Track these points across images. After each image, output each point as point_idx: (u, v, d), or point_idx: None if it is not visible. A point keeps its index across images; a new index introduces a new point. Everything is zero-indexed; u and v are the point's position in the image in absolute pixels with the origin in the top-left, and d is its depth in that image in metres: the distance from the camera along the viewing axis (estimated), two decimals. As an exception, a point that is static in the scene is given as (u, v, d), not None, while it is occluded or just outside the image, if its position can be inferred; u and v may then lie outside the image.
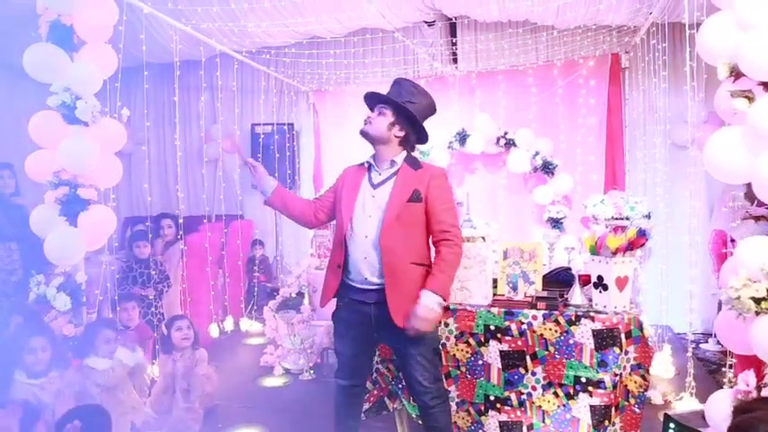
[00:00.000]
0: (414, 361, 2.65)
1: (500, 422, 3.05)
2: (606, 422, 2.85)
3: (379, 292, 2.59)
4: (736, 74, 2.59)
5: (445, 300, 2.55)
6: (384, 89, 2.74)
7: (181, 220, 4.94)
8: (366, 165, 2.75)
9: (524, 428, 3.02)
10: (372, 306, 2.62)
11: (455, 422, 3.16)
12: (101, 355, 3.26)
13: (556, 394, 2.98)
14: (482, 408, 3.08)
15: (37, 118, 3.29)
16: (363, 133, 2.67)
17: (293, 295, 5.29)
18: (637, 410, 2.86)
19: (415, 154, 6.20)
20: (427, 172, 2.63)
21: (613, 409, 2.85)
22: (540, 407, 3.00)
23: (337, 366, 2.87)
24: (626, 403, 2.87)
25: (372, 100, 2.70)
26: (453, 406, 3.17)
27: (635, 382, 2.86)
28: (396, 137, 2.64)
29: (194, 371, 3.73)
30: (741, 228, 3.12)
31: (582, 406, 2.92)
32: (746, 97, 2.51)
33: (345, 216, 2.65)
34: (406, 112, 2.60)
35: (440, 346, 2.96)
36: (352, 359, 2.79)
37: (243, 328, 5.89)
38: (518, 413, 3.03)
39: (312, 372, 4.59)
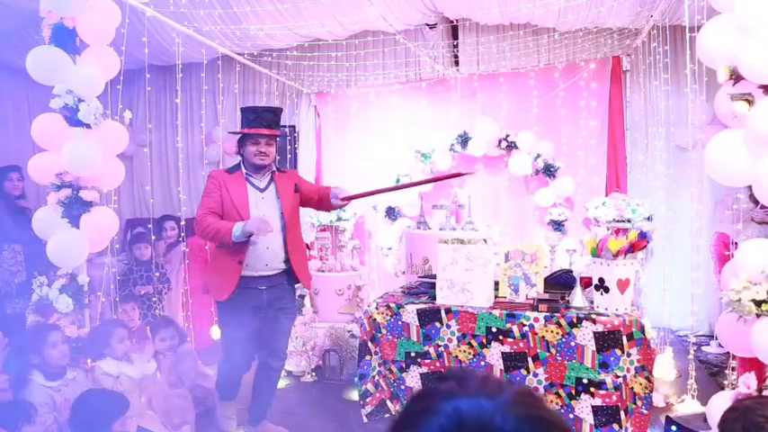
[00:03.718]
0: (282, 330, 3.46)
1: None
2: (616, 426, 2.87)
3: (272, 278, 3.29)
4: (735, 77, 2.60)
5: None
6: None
7: (183, 222, 4.95)
8: (244, 176, 3.33)
9: None
10: (264, 291, 3.29)
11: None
12: (115, 355, 3.30)
13: (558, 395, 3.00)
14: None
15: (40, 120, 3.31)
16: (265, 166, 3.33)
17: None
18: (644, 412, 2.88)
19: (417, 156, 6.22)
20: (290, 174, 3.53)
21: (623, 414, 2.87)
22: None
23: (230, 354, 3.41)
24: (634, 406, 2.88)
25: (267, 137, 3.31)
26: None
27: (640, 384, 2.87)
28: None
29: (181, 364, 3.77)
30: (745, 230, 3.13)
31: (584, 406, 2.94)
32: (746, 100, 2.51)
33: (244, 217, 3.18)
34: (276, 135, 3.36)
35: None
36: (248, 343, 3.36)
37: (244, 330, 5.89)
38: None
39: (313, 374, 4.59)
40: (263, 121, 3.25)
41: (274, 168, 3.42)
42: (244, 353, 3.40)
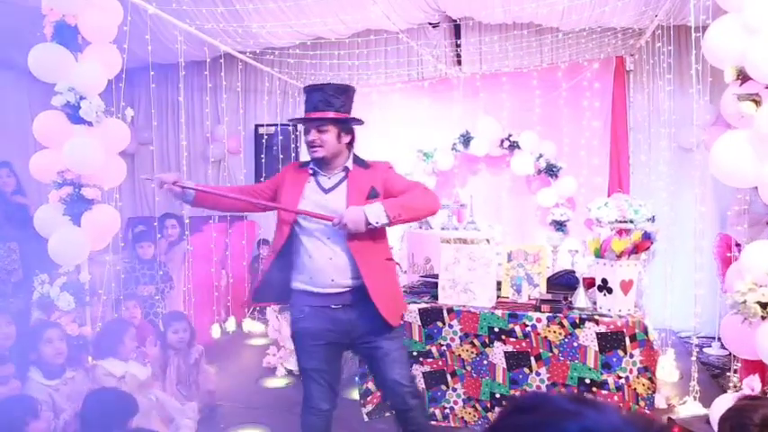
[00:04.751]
0: (390, 359, 2.54)
1: None
2: None
3: (347, 295, 2.50)
4: (742, 77, 2.58)
5: (389, 217, 2.38)
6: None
7: (187, 221, 4.94)
8: (311, 170, 2.61)
9: None
10: (339, 311, 2.51)
11: (462, 417, 3.18)
12: (125, 353, 3.30)
13: (560, 394, 3.01)
14: (488, 404, 3.11)
15: (41, 118, 3.30)
16: (318, 159, 2.55)
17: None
18: (647, 412, 2.87)
19: (419, 156, 6.20)
20: (377, 169, 2.61)
21: None
22: None
23: (309, 392, 2.58)
24: (636, 407, 2.88)
25: (311, 122, 2.55)
26: (459, 402, 3.19)
27: (643, 385, 2.87)
28: (344, 144, 2.57)
29: (191, 366, 3.75)
30: (759, 234, 3.12)
31: None
32: (753, 100, 2.50)
33: (287, 215, 2.56)
34: (345, 118, 2.55)
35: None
36: (328, 375, 2.57)
37: (245, 329, 5.89)
38: None
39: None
40: (309, 104, 2.56)
41: (347, 164, 2.60)
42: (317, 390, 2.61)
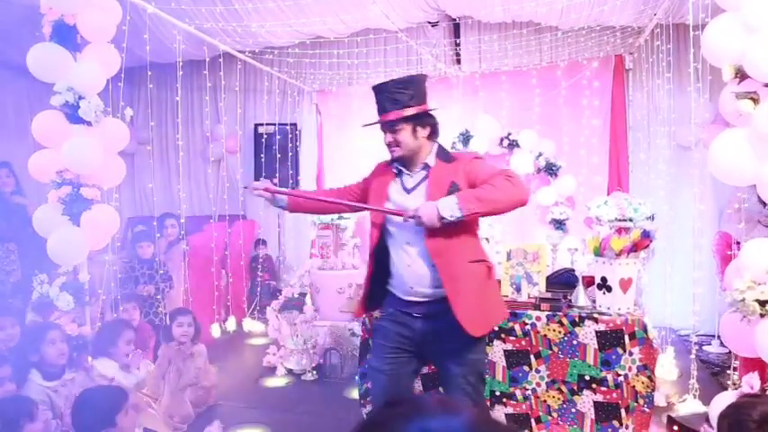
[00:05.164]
0: (455, 383, 2.38)
1: (507, 415, 3.12)
2: (616, 422, 2.90)
3: (427, 305, 2.37)
4: (741, 75, 2.58)
5: (461, 209, 2.17)
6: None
7: (183, 220, 4.94)
8: (395, 170, 2.49)
9: (532, 421, 3.08)
10: (419, 320, 2.40)
11: None
12: (117, 356, 3.29)
13: (560, 390, 3.04)
14: (489, 402, 3.12)
15: (40, 117, 3.30)
16: (398, 159, 2.43)
17: (296, 295, 5.29)
18: (646, 410, 2.90)
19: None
20: (460, 162, 2.40)
21: (624, 412, 2.89)
22: (544, 401, 3.07)
23: (372, 390, 2.52)
24: (635, 404, 2.89)
25: (384, 125, 2.42)
26: None
27: (642, 383, 2.88)
28: (423, 138, 2.41)
29: (191, 362, 3.75)
30: (751, 232, 3.12)
31: (586, 401, 2.98)
32: (752, 99, 2.50)
33: (376, 217, 2.48)
34: (418, 113, 2.38)
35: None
36: (392, 379, 2.44)
37: (246, 329, 5.89)
38: (524, 407, 3.10)
39: (314, 372, 4.58)
40: (378, 106, 2.42)
41: (428, 160, 2.43)
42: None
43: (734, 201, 4.61)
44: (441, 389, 2.78)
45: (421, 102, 2.38)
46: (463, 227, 2.28)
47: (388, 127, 2.38)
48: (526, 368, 3.07)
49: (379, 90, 2.40)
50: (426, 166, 2.41)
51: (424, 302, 2.37)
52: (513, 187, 2.23)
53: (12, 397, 2.75)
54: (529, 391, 3.09)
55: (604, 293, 3.02)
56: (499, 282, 3.32)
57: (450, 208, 2.16)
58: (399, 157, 2.41)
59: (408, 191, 2.43)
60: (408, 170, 2.45)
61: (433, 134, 2.45)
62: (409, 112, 2.34)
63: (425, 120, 2.40)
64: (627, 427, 2.90)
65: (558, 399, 3.03)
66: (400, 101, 2.34)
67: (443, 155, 2.44)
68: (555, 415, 3.05)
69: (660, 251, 5.00)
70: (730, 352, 3.29)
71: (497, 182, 2.22)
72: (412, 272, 2.37)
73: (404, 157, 2.41)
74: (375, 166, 2.64)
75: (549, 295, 3.18)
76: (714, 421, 2.76)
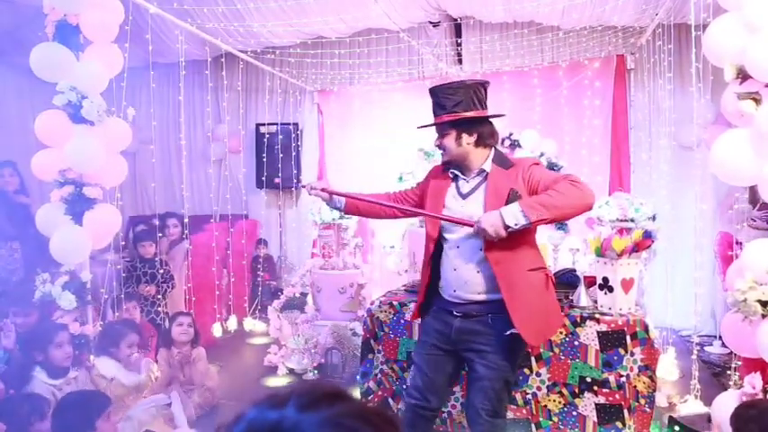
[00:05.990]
0: (479, 386, 2.36)
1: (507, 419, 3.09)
2: (619, 423, 2.89)
3: (472, 306, 2.39)
4: (743, 76, 2.58)
5: (527, 217, 2.14)
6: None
7: (186, 219, 4.95)
8: (451, 175, 2.48)
9: (532, 426, 3.06)
10: (458, 318, 2.42)
11: (460, 422, 3.17)
12: (117, 358, 3.30)
13: (561, 393, 3.02)
14: None
15: (43, 117, 3.31)
16: (447, 162, 2.48)
17: (297, 295, 5.30)
18: (647, 410, 2.89)
19: (420, 155, 6.19)
20: (518, 168, 2.35)
21: (626, 412, 2.89)
22: (545, 406, 3.04)
23: (410, 380, 2.60)
24: (636, 404, 2.89)
25: (436, 128, 2.46)
26: (458, 406, 3.18)
27: (643, 383, 2.87)
28: (470, 144, 2.37)
29: (192, 365, 3.76)
30: (742, 231, 3.12)
31: (588, 404, 2.96)
32: (753, 99, 2.50)
33: (432, 230, 2.48)
34: (461, 119, 2.35)
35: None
36: (422, 372, 2.50)
37: (247, 328, 5.90)
38: (524, 411, 3.08)
39: (316, 372, 4.58)
40: (433, 110, 2.44)
41: (484, 165, 2.40)
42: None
43: (728, 200, 4.62)
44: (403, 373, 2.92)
45: (469, 108, 2.35)
46: (522, 234, 2.26)
47: (438, 130, 2.42)
48: (526, 371, 3.06)
49: (432, 93, 2.42)
50: (483, 172, 2.40)
51: (466, 304, 2.40)
52: (579, 192, 2.19)
53: (26, 395, 2.76)
54: (529, 396, 3.07)
55: (606, 294, 3.02)
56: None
57: (514, 216, 2.14)
58: (447, 161, 2.45)
59: (464, 196, 2.42)
60: (464, 175, 2.44)
61: (485, 141, 2.40)
62: (448, 118, 2.35)
63: (472, 126, 2.37)
64: (629, 428, 2.90)
65: (559, 402, 3.02)
66: (446, 106, 2.35)
67: (501, 160, 2.41)
68: (555, 419, 3.03)
69: (662, 251, 5.00)
70: (731, 352, 3.29)
71: (563, 187, 2.19)
72: (457, 276, 2.40)
73: (452, 161, 2.43)
74: (431, 168, 2.64)
75: (550, 295, 3.18)
76: (715, 422, 2.76)
